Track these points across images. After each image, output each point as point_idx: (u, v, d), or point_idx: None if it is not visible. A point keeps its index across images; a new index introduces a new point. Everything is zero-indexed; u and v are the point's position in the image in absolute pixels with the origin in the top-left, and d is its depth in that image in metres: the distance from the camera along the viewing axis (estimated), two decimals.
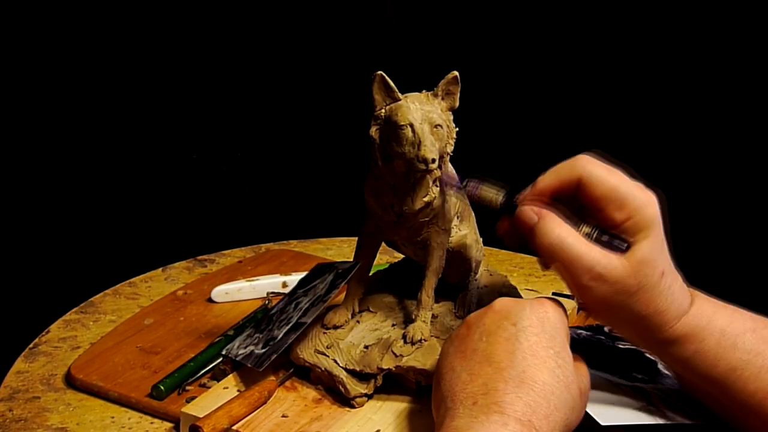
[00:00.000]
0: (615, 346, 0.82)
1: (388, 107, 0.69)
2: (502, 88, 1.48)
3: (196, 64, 1.39)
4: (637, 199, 0.60)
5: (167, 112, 1.39)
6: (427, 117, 0.67)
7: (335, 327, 0.77)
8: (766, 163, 1.36)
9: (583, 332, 0.86)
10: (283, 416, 0.71)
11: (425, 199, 0.70)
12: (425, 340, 0.73)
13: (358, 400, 0.72)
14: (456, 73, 0.69)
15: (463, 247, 0.78)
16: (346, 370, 0.73)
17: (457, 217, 0.78)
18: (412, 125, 0.66)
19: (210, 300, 0.97)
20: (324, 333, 0.77)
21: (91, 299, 0.98)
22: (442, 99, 0.70)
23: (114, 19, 1.25)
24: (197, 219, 1.46)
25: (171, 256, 1.13)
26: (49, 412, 0.74)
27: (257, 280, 1.00)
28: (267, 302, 0.96)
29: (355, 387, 0.72)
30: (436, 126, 0.67)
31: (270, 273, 1.04)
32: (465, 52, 1.47)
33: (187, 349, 0.85)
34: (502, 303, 0.63)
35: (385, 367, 0.72)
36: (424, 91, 0.70)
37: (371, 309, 0.80)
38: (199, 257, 1.14)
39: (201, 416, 0.68)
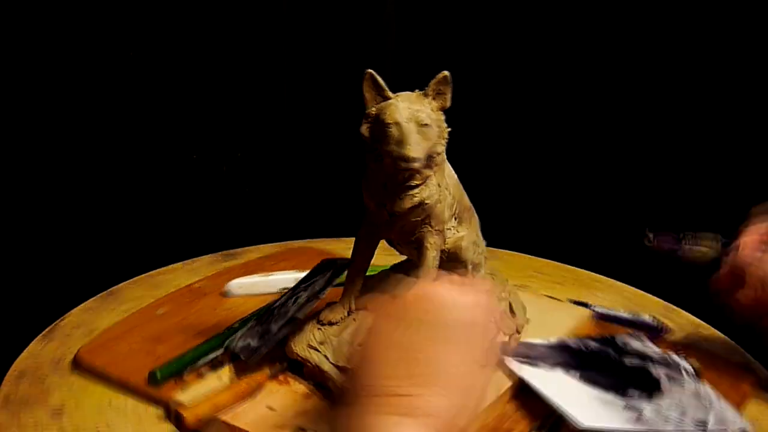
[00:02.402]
0: (622, 362, 0.80)
1: (377, 106, 0.69)
2: (502, 88, 1.46)
3: (208, 65, 1.38)
4: None
5: (184, 112, 1.38)
6: (414, 116, 0.67)
7: (330, 323, 0.78)
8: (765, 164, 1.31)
9: (593, 344, 0.84)
10: (269, 408, 0.72)
11: (415, 199, 0.70)
12: None
13: None
14: (447, 73, 0.69)
15: (459, 249, 0.77)
16: (336, 366, 0.73)
17: (455, 219, 0.77)
18: (398, 123, 0.67)
19: (225, 293, 0.99)
20: (319, 329, 0.77)
21: (111, 288, 1.01)
22: (433, 99, 0.70)
23: (114, 19, 1.25)
24: (227, 216, 1.47)
25: (199, 252, 1.15)
26: (51, 393, 0.77)
27: (273, 275, 1.01)
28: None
29: None
30: (423, 125, 0.67)
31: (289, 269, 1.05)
32: (465, 52, 1.45)
33: (194, 340, 0.86)
34: (415, 293, 0.57)
35: None
36: (416, 90, 0.70)
37: (368, 308, 0.80)
38: (224, 252, 1.16)
39: (186, 403, 0.70)
